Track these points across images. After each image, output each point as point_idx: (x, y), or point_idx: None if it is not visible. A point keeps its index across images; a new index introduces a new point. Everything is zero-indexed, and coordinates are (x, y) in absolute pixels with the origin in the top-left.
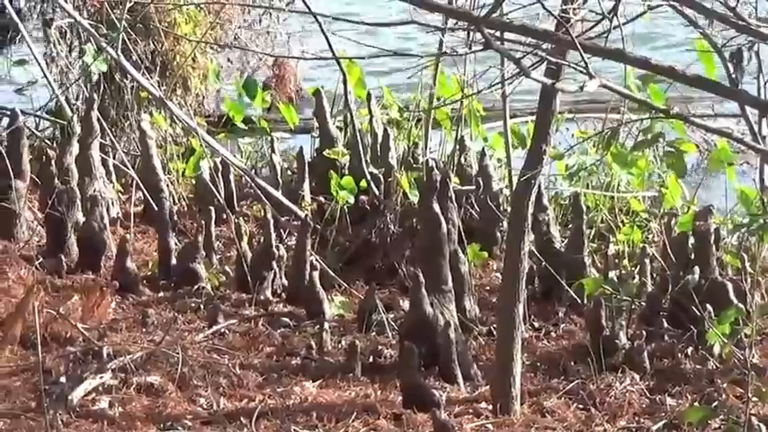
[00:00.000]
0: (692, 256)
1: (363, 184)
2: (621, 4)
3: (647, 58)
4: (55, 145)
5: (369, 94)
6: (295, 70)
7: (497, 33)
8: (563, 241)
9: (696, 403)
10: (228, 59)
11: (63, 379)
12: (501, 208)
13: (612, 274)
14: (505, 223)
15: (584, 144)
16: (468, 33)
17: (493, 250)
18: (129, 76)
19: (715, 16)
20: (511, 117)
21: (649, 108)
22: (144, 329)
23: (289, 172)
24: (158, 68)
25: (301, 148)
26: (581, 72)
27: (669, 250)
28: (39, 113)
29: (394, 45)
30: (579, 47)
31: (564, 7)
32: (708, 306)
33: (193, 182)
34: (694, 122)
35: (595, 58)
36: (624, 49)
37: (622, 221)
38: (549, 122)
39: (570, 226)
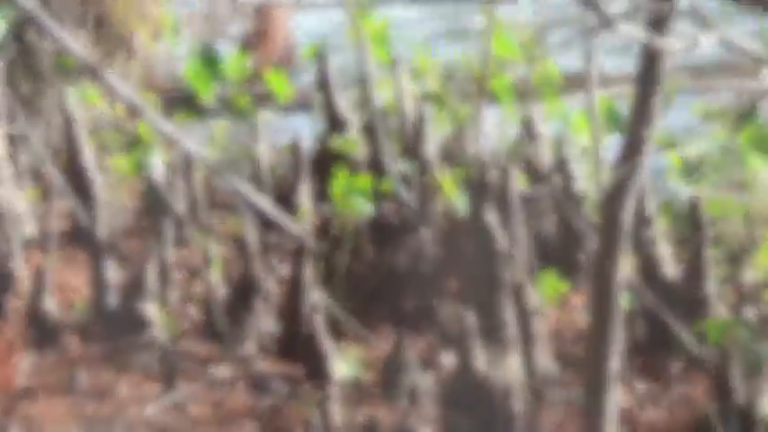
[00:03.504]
0: None
1: (387, 186)
2: None
3: None
4: None
5: (395, 58)
6: (286, 20)
7: None
8: (677, 266)
9: None
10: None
11: None
12: (587, 219)
13: (749, 313)
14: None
15: (710, 126)
16: None
17: (575, 279)
18: (47, 35)
19: None
20: (602, 88)
21: None
22: (70, 398)
23: (279, 169)
24: (91, 24)
25: (297, 135)
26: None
27: None
28: None
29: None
30: None
31: None
32: None
33: (140, 185)
34: None
35: None
36: None
37: (763, 237)
38: (652, 96)
39: (688, 244)
